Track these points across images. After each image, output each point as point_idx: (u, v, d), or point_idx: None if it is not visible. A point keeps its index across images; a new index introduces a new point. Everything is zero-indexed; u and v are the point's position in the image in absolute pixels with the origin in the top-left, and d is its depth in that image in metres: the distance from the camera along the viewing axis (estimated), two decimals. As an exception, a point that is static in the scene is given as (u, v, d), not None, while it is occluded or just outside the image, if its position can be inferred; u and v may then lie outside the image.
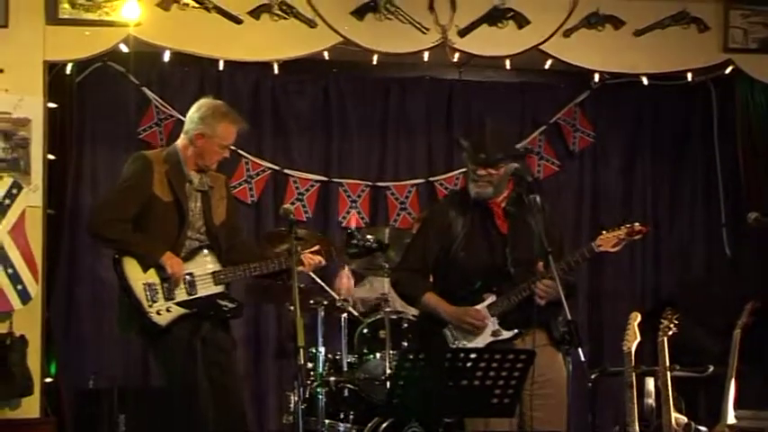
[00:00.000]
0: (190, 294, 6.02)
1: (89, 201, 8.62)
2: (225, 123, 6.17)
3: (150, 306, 5.91)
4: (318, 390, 7.18)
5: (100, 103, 8.77)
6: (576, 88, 9.53)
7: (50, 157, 7.63)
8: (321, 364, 7.45)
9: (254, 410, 8.77)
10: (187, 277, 6.01)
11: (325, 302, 7.60)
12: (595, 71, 8.71)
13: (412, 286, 6.00)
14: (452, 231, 5.85)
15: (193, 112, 6.21)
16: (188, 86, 8.91)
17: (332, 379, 7.32)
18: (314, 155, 9.30)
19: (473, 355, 4.97)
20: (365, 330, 7.51)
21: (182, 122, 8.61)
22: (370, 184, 9.30)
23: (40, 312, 7.40)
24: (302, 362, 5.39)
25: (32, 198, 7.36)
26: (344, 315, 7.60)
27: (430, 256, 5.94)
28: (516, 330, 5.75)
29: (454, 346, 5.74)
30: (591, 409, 8.19)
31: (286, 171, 9.14)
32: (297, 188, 9.13)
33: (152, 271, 5.96)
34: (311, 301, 7.53)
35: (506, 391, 5.04)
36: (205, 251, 6.12)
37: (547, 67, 8.50)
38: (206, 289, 6.07)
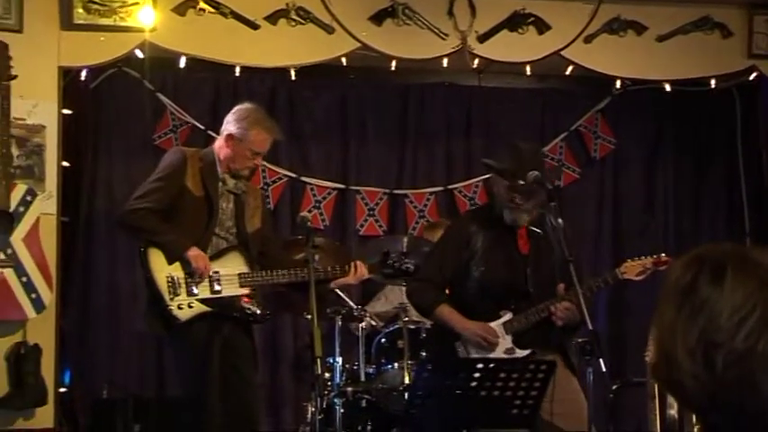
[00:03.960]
0: (213, 292, 6.02)
1: (104, 208, 8.64)
2: (257, 129, 6.18)
3: (171, 299, 5.91)
4: (336, 400, 7.16)
5: (115, 110, 8.81)
6: (598, 95, 9.52)
7: (65, 164, 7.63)
8: (338, 375, 7.44)
9: (270, 421, 8.77)
10: (212, 275, 6.01)
11: (343, 312, 7.59)
12: (617, 77, 8.67)
13: (426, 297, 5.98)
14: (472, 246, 5.83)
15: (230, 114, 6.26)
16: (203, 92, 8.94)
17: (349, 389, 7.29)
18: (331, 162, 9.30)
19: (492, 366, 4.96)
20: (383, 340, 7.50)
21: (197, 129, 8.74)
22: (388, 191, 9.29)
23: (54, 321, 7.39)
24: (319, 372, 5.39)
25: (47, 205, 7.35)
26: (362, 325, 7.59)
27: (447, 269, 5.92)
28: (530, 350, 5.72)
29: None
30: (612, 421, 8.15)
31: (303, 178, 9.14)
32: (314, 196, 9.13)
33: (177, 265, 5.96)
34: (328, 311, 7.52)
35: (526, 402, 5.02)
36: (234, 252, 6.12)
37: (568, 73, 8.47)
38: (231, 289, 6.06)
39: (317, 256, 6.22)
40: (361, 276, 6.42)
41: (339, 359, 7.48)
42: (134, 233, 6.18)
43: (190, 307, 5.94)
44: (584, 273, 5.92)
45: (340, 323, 7.57)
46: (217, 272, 6.03)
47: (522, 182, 5.66)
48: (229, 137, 6.17)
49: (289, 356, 9.03)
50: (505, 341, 5.74)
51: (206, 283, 6.00)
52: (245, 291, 6.11)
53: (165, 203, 6.01)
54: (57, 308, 7.42)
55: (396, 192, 9.32)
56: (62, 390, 7.70)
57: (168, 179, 6.06)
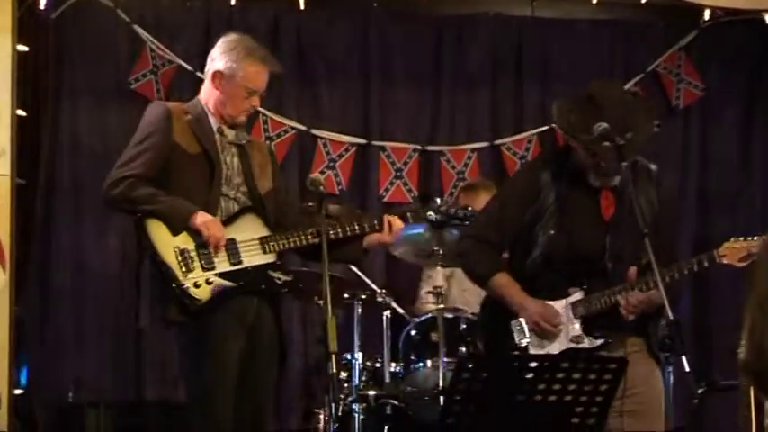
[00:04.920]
0: (233, 264, 5.99)
1: (69, 167, 8.63)
2: (250, 60, 6.14)
3: (185, 276, 5.87)
4: (354, 406, 7.17)
5: (82, 47, 8.80)
6: (681, 28, 9.48)
7: (20, 113, 7.63)
8: (357, 375, 7.44)
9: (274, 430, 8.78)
10: (229, 244, 5.99)
11: (364, 296, 7.58)
12: (705, 6, 8.63)
13: (482, 260, 5.88)
14: (542, 202, 5.72)
15: (214, 49, 6.22)
16: (191, 25, 8.94)
17: (371, 393, 7.30)
18: (349, 112, 9.29)
19: (548, 364, 4.93)
20: (413, 332, 7.47)
21: (184, 70, 8.71)
22: (419, 148, 9.27)
23: (9, 308, 7.42)
24: (334, 371, 5.37)
25: (-1, 165, 7.38)
26: (387, 313, 7.57)
27: (509, 228, 5.81)
28: (602, 340, 5.67)
29: (519, 344, 5.68)
30: (697, 431, 8.14)
31: (314, 131, 9.13)
32: (328, 153, 9.12)
33: (185, 235, 5.91)
34: (346, 295, 7.51)
35: (590, 409, 4.99)
36: (249, 215, 6.08)
37: (644, 0, 8.42)
38: (253, 258, 6.03)
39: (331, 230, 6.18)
40: (398, 231, 6.37)
41: (358, 355, 7.48)
42: (126, 207, 6.12)
43: (208, 283, 5.89)
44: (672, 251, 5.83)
45: (359, 311, 7.56)
46: (233, 239, 6.01)
47: (606, 143, 5.52)
48: (217, 75, 6.14)
49: (296, 352, 9.01)
50: (573, 326, 5.69)
51: (223, 253, 5.97)
52: (271, 258, 6.06)
53: (157, 167, 5.98)
54: (11, 292, 7.44)
55: (429, 148, 9.30)
56: (18, 391, 7.73)
57: (153, 137, 6.03)
